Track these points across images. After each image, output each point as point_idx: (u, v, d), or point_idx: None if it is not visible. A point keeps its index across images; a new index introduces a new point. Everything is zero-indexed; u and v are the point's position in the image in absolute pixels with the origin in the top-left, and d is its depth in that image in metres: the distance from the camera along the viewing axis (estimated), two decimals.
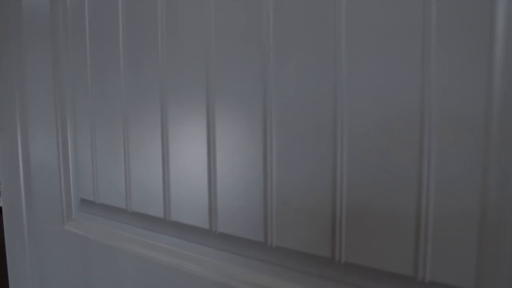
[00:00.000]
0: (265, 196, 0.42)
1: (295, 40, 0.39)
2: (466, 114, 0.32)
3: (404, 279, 0.36)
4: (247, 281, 0.45)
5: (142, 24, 0.52)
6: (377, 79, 0.35)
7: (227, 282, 0.46)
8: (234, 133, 0.44)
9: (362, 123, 0.36)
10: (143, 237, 0.55)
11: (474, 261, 0.32)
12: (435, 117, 0.33)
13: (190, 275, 0.49)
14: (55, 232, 0.68)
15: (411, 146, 0.34)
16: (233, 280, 0.45)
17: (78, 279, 0.64)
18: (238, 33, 0.43)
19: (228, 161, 0.45)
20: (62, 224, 0.66)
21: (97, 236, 0.60)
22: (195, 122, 0.47)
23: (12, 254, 0.77)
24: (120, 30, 0.54)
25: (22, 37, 0.69)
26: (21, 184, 0.73)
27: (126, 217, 0.57)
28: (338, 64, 0.37)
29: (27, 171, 0.72)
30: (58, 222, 0.67)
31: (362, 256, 0.38)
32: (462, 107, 0.32)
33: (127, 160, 0.55)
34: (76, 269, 0.64)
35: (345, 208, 0.38)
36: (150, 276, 0.53)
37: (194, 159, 0.48)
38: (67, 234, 0.65)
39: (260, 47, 0.42)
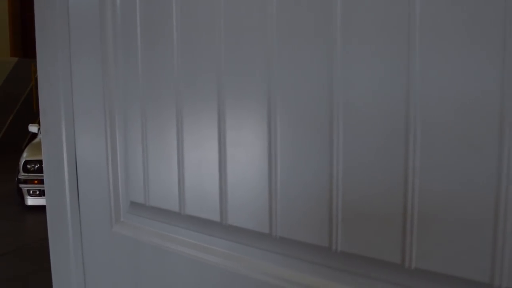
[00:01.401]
0: (330, 201, 0.42)
1: (364, 40, 0.39)
2: None
3: (479, 286, 0.35)
4: (308, 285, 0.44)
5: (199, 22, 0.52)
6: (453, 80, 0.35)
7: (287, 287, 0.45)
8: (297, 136, 0.44)
9: (437, 126, 0.36)
10: (197, 240, 0.55)
11: None
12: None
13: (247, 279, 0.49)
14: (102, 234, 0.69)
15: (489, 150, 0.34)
16: (294, 285, 0.45)
17: (127, 282, 0.65)
18: (303, 32, 0.43)
19: (290, 165, 0.45)
20: (110, 227, 0.67)
21: (148, 239, 0.61)
22: (255, 125, 0.47)
23: (55, 254, 0.79)
24: (174, 29, 0.54)
25: (69, 37, 0.69)
26: (66, 186, 0.73)
27: (179, 220, 0.57)
28: (412, 65, 0.36)
29: (72, 172, 0.73)
30: (106, 224, 0.68)
31: (433, 262, 0.37)
32: None
33: (181, 163, 0.55)
34: (125, 271, 0.65)
35: (416, 213, 0.37)
36: (203, 280, 0.54)
37: (254, 162, 0.48)
38: (115, 236, 0.66)
39: (326, 46, 0.41)
